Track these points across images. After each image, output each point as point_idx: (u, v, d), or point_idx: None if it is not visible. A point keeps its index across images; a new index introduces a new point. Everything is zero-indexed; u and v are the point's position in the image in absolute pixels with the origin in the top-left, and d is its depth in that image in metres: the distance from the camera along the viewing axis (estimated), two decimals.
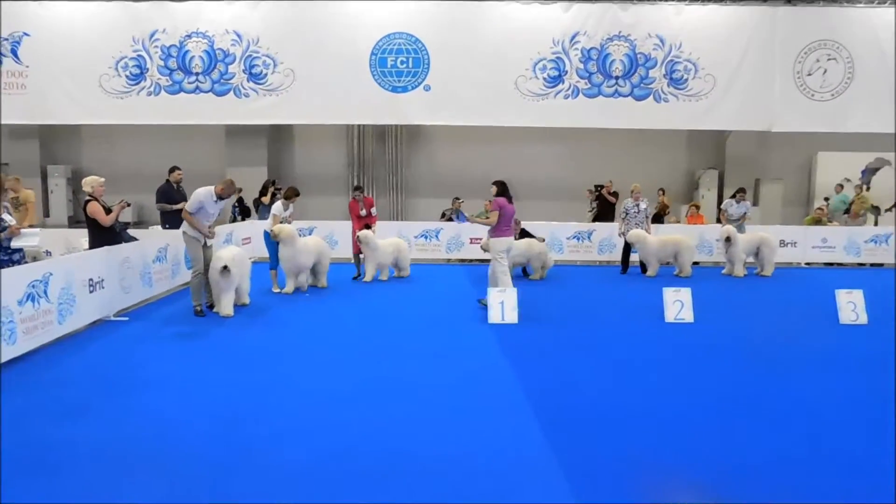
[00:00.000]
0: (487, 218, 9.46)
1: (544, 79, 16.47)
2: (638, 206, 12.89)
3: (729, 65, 16.30)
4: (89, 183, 8.90)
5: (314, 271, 10.92)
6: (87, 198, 8.90)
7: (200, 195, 8.85)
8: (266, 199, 14.93)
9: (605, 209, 16.00)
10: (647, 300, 9.62)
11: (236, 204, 15.79)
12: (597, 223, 15.21)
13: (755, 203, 17.98)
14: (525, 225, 14.45)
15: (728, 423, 5.16)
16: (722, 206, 13.97)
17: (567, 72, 16.46)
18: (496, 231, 9.22)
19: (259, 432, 4.90)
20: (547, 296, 10.68)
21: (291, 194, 10.83)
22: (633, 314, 9.27)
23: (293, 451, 4.58)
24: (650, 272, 12.75)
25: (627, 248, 13.13)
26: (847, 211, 16.25)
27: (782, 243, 14.22)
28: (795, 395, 5.85)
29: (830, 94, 16.35)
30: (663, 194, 16.57)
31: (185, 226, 9.01)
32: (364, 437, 4.83)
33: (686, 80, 16.44)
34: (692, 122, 16.84)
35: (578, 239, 14.77)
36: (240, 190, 15.86)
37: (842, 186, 17.17)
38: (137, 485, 4.11)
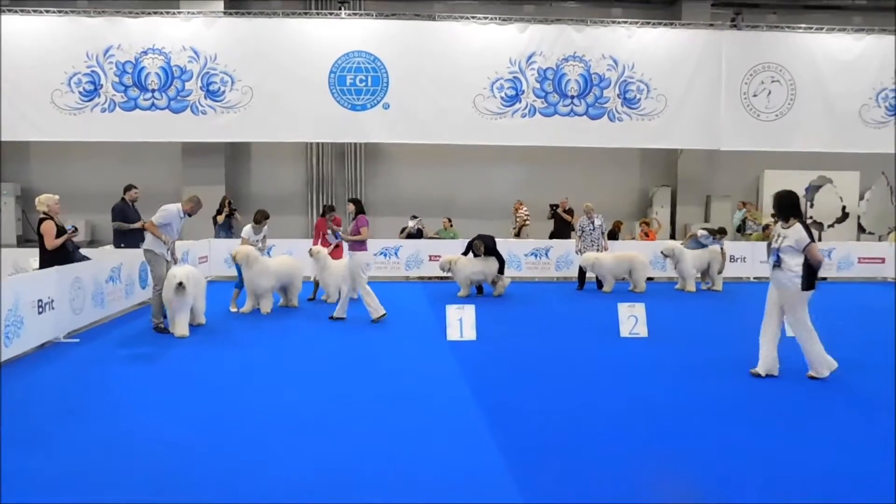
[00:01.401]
0: (359, 233, 9.64)
1: (502, 98, 16.72)
2: (593, 223, 13.16)
3: (679, 86, 16.80)
4: (44, 202, 8.75)
5: (285, 291, 10.84)
6: (42, 216, 8.75)
7: (170, 211, 8.98)
8: (221, 218, 14.75)
9: (561, 227, 16.29)
10: (603, 316, 9.80)
11: None
12: (554, 240, 15.44)
13: (706, 220, 18.51)
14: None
15: (684, 433, 5.30)
16: (699, 233, 13.84)
17: (524, 91, 16.75)
18: (362, 245, 9.61)
19: (215, 454, 4.86)
20: (505, 313, 10.80)
21: (260, 217, 10.82)
22: (589, 330, 9.44)
23: (248, 473, 4.56)
24: (606, 288, 12.99)
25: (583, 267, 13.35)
26: (741, 228, 17.04)
27: (732, 259, 14.62)
28: (750, 404, 6.03)
29: (775, 114, 16.97)
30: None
31: (149, 242, 9.01)
32: (320, 456, 4.82)
33: (639, 100, 16.87)
34: (645, 140, 17.29)
35: (536, 256, 14.97)
36: None
37: (743, 203, 17.90)
38: None
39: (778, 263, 6.77)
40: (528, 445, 5.07)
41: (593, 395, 6.36)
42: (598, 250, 13.08)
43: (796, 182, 19.04)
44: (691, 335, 9.23)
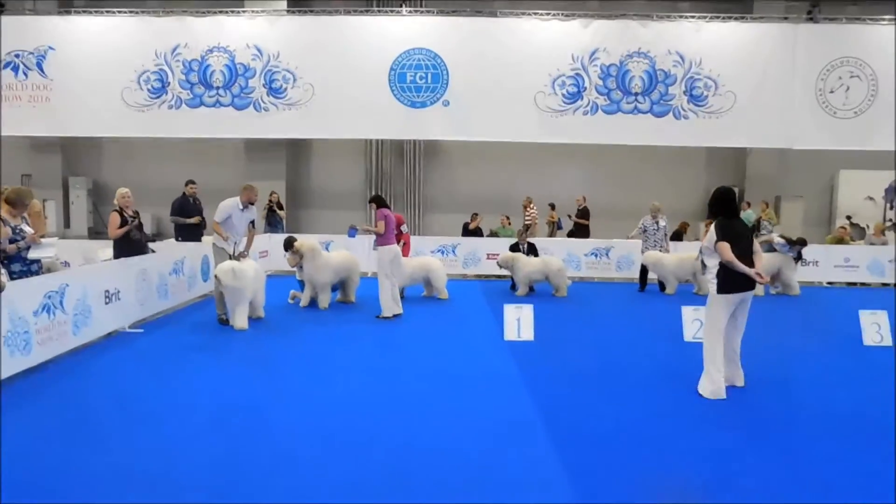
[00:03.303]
0: (377, 227, 9.61)
1: (563, 95, 16.42)
2: (657, 223, 12.77)
3: (750, 82, 16.15)
4: (116, 195, 9.31)
5: (342, 286, 10.87)
6: (113, 209, 9.27)
7: (227, 205, 9.15)
8: (263, 214, 15.04)
9: (580, 228, 16.25)
10: (666, 318, 9.47)
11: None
12: (615, 240, 15.05)
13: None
14: (539, 241, 14.41)
15: (751, 443, 5.02)
16: (775, 240, 13.08)
17: (586, 88, 16.40)
18: (383, 239, 9.53)
19: (263, 449, 4.83)
20: (564, 313, 10.56)
21: (287, 245, 10.59)
22: (651, 333, 9.14)
23: (298, 469, 4.51)
24: (669, 290, 12.59)
25: (645, 267, 12.98)
26: (755, 228, 16.18)
27: (804, 262, 13.98)
28: (821, 415, 5.68)
29: (853, 111, 16.12)
30: (553, 209, 16.74)
31: (215, 237, 9.26)
32: (373, 453, 4.75)
33: (706, 96, 16.31)
34: (712, 139, 16.69)
35: (596, 256, 14.65)
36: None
37: (748, 204, 17.00)
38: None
39: (704, 266, 6.33)
40: (585, 450, 4.88)
41: (654, 400, 6.11)
42: (661, 251, 12.70)
43: (875, 182, 18.18)
44: (757, 341, 8.79)
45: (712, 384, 6.15)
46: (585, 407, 5.88)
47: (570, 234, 16.32)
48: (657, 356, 7.80)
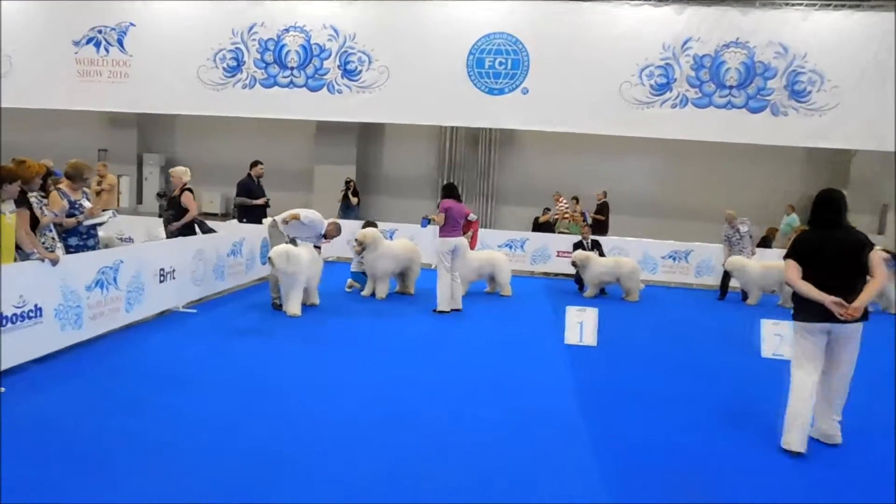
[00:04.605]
0: (437, 218, 9.43)
1: (651, 86, 15.50)
2: (738, 230, 11.93)
3: (859, 77, 14.76)
4: None
5: (402, 276, 10.58)
6: None
7: (318, 221, 9.31)
8: (339, 200, 14.88)
9: (597, 224, 15.14)
10: (744, 331, 8.69)
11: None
12: (696, 243, 14.11)
13: (880, 232, 16.28)
14: (615, 241, 13.71)
15: (832, 475, 4.40)
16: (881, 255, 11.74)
17: (676, 79, 15.42)
18: (442, 231, 9.29)
19: (299, 442, 4.62)
20: (633, 318, 9.93)
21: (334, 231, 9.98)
22: (726, 346, 8.45)
23: (336, 468, 4.25)
24: (751, 300, 11.67)
25: (727, 273, 12.10)
26: None
27: None
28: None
29: None
30: (577, 202, 15.42)
31: (279, 220, 9.15)
32: (409, 448, 4.55)
33: (809, 92, 15.03)
34: (813, 138, 15.39)
35: (675, 259, 13.76)
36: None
37: (792, 208, 15.38)
38: (169, 483, 3.91)
39: None
40: (627, 478, 4.35)
41: (720, 424, 5.48)
42: (747, 257, 11.80)
43: None
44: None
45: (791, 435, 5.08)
46: (639, 425, 5.34)
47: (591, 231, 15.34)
48: (729, 372, 7.15)
